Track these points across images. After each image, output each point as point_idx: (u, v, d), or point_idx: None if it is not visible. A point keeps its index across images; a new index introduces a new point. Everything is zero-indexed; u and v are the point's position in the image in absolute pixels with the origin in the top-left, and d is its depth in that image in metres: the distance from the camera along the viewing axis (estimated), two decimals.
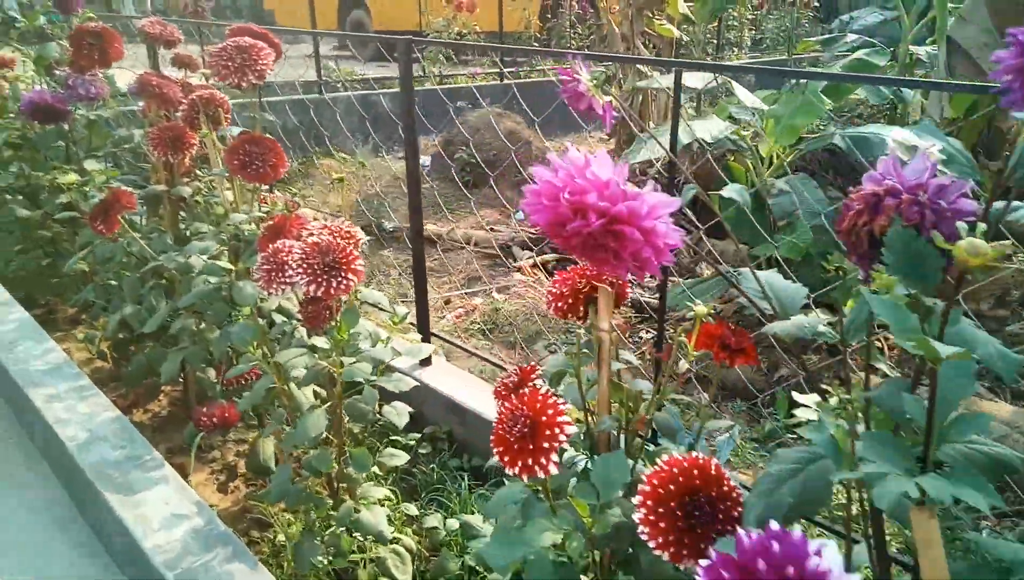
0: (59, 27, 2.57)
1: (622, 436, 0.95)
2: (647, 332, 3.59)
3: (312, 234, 1.31)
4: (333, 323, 1.32)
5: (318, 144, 5.36)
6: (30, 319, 2.11)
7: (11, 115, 2.48)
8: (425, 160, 5.52)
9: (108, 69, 1.70)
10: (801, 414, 0.85)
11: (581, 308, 0.99)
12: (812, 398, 0.85)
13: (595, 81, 0.72)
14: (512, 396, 1.03)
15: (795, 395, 0.88)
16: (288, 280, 1.25)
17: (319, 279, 1.20)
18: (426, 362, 2.06)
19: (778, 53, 9.71)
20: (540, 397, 0.82)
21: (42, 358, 1.90)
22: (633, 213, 0.57)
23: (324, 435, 1.32)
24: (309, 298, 1.30)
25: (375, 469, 1.62)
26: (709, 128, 3.26)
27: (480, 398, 1.94)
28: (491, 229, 4.79)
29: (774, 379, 3.15)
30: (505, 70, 6.34)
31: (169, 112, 1.90)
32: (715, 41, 7.20)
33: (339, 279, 1.21)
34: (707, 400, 3.16)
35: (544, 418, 0.79)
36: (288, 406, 1.46)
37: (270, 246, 1.30)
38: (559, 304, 0.99)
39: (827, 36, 5.97)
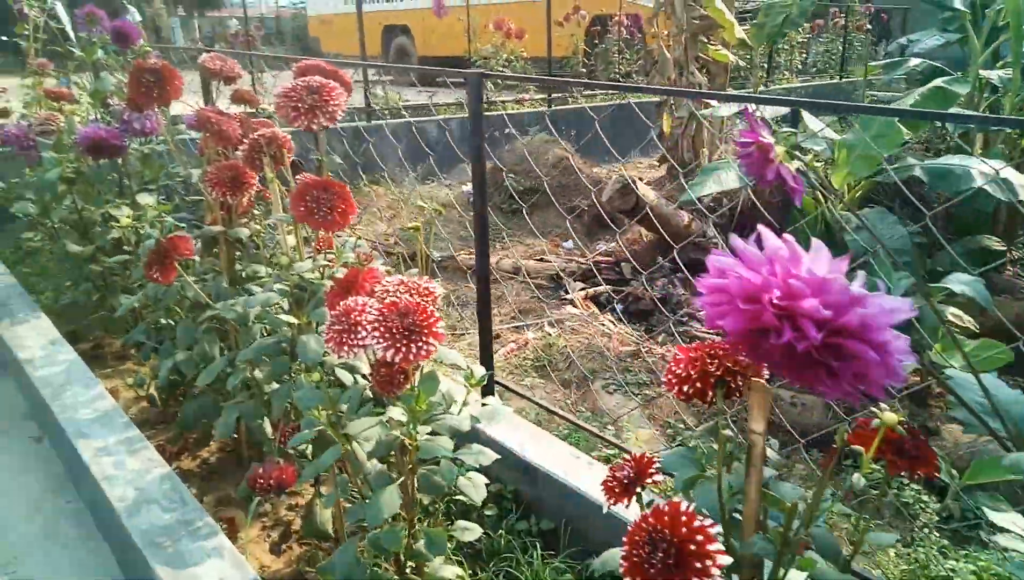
0: (115, 58, 2.53)
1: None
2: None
3: (388, 291, 1.19)
4: (409, 388, 1.19)
5: (365, 171, 5.31)
6: (79, 361, 2.03)
7: (65, 146, 2.43)
8: (470, 187, 5.43)
9: (167, 107, 1.62)
10: (1006, 542, 0.70)
11: (710, 392, 0.85)
12: (1016, 520, 0.70)
13: (787, 147, 0.59)
14: (627, 495, 0.89)
15: (991, 514, 0.72)
16: (361, 342, 1.13)
17: (398, 344, 1.07)
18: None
19: (827, 77, 9.48)
20: (684, 516, 0.67)
21: (91, 405, 1.81)
22: (866, 325, 0.43)
23: None
24: (383, 361, 1.18)
25: None
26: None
27: (549, 454, 1.80)
28: (541, 259, 4.67)
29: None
30: (552, 96, 6.24)
31: (227, 150, 1.81)
32: (765, 65, 7.02)
33: (419, 344, 1.08)
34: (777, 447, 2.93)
35: (692, 546, 0.65)
36: (352, 473, 1.33)
37: (341, 303, 1.19)
38: (684, 387, 0.85)
39: (890, 60, 5.75)
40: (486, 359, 1.95)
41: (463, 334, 3.85)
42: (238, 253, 1.88)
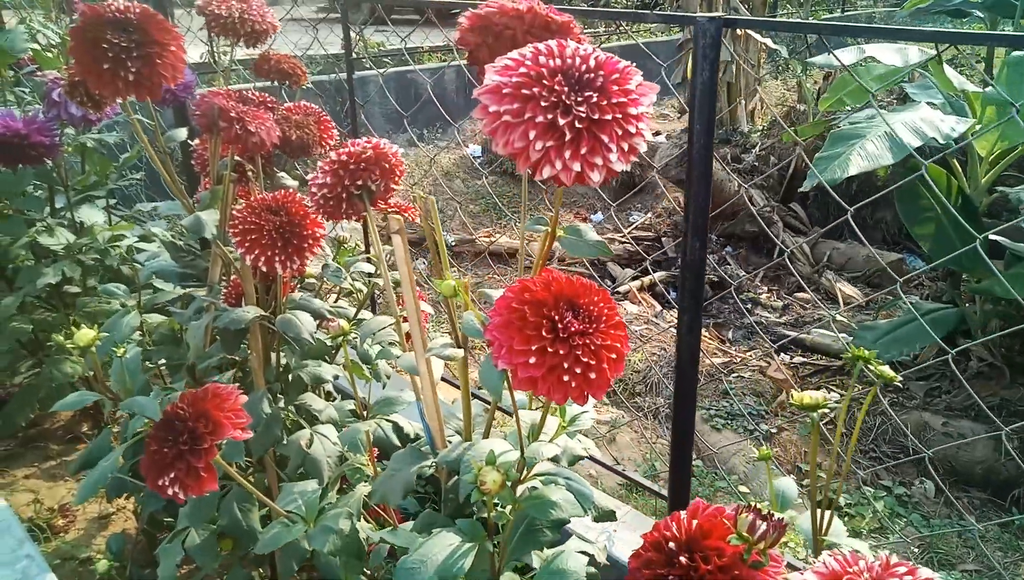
0: None
1: None
2: (828, 390, 2.76)
3: None
4: None
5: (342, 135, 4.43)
6: (10, 514, 1.22)
7: None
8: (475, 149, 4.61)
9: (153, 97, 0.80)
10: None
11: None
12: None
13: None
14: None
15: None
16: None
17: None
18: None
19: (823, 10, 8.77)
20: None
21: None
22: None
23: None
24: None
25: None
26: (925, 119, 2.40)
27: None
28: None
29: None
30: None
31: (254, 159, 1.01)
32: None
33: None
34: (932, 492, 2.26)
35: None
36: None
37: None
38: None
39: None
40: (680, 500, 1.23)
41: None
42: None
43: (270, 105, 1.09)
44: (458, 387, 1.79)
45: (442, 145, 4.75)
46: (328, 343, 1.10)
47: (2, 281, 1.66)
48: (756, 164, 4.48)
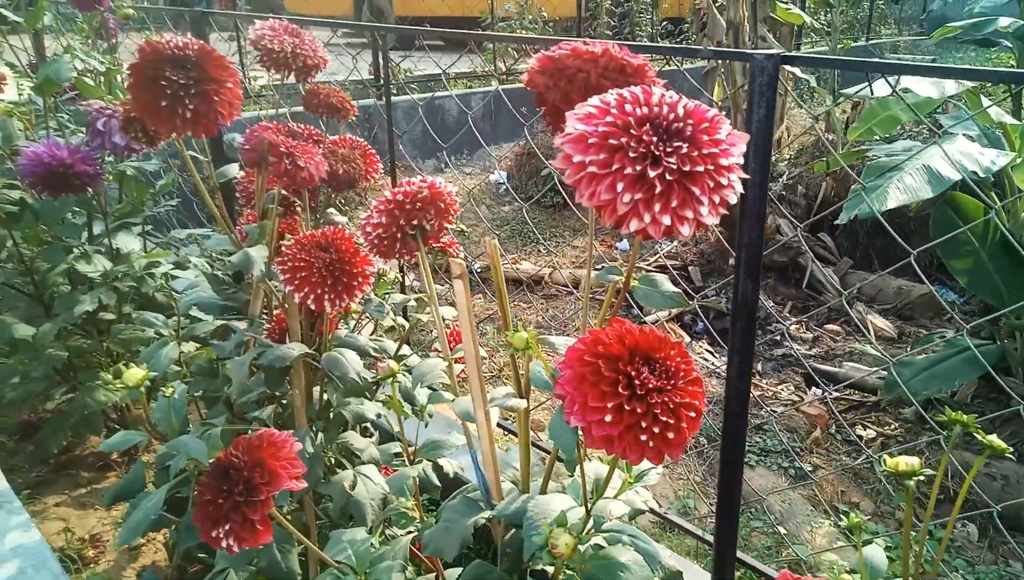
0: (81, 25, 1.67)
1: None
2: (864, 427, 2.70)
3: None
4: None
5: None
6: (44, 549, 1.21)
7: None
8: (500, 175, 4.61)
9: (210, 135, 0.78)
10: None
11: None
12: None
13: None
14: None
15: None
16: None
17: None
18: None
19: (848, 40, 8.76)
20: None
21: None
22: None
23: None
24: None
25: None
26: (963, 151, 2.36)
27: None
28: (600, 266, 3.88)
29: None
30: None
31: (300, 193, 1.00)
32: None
33: None
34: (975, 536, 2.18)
35: None
36: None
37: None
38: None
39: (973, 20, 5.04)
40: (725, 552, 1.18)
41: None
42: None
43: (317, 138, 1.08)
44: (505, 430, 1.76)
45: (467, 171, 4.76)
46: (369, 379, 1.08)
47: (40, 307, 1.66)
48: (784, 193, 4.43)
